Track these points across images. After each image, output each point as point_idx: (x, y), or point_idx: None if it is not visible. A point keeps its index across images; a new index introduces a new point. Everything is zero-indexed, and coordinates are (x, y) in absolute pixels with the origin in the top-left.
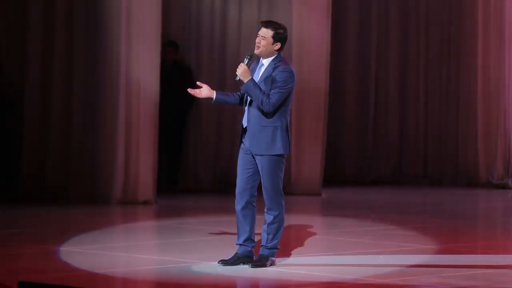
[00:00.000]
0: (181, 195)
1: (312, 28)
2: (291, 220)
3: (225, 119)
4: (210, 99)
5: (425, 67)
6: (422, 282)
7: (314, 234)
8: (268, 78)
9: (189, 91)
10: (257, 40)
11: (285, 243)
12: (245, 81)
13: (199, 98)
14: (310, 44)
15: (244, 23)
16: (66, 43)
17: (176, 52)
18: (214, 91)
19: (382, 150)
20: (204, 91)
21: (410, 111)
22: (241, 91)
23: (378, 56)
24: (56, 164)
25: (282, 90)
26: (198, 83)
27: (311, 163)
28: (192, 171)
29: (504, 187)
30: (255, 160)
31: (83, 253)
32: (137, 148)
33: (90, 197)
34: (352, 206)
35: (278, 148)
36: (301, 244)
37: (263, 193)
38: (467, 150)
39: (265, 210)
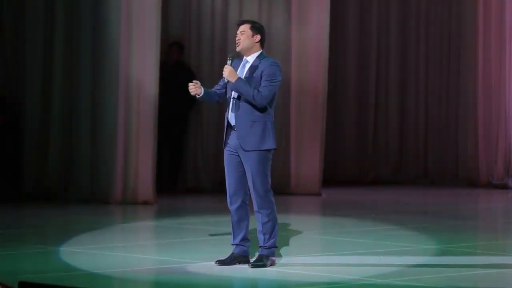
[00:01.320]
0: (181, 195)
1: (312, 28)
2: (291, 220)
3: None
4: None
5: (425, 67)
6: (422, 282)
7: (314, 234)
8: (256, 73)
9: (190, 88)
10: (236, 38)
11: (285, 243)
12: (233, 81)
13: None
14: (309, 44)
15: None
16: (66, 43)
17: (180, 52)
18: (202, 88)
19: (382, 150)
20: (198, 89)
21: (410, 111)
22: (226, 87)
23: (378, 56)
24: (56, 165)
25: (273, 83)
26: (194, 81)
27: (311, 163)
28: (192, 171)
29: (504, 187)
30: (240, 160)
31: (83, 253)
32: (137, 148)
33: (90, 197)
34: (352, 206)
35: (269, 143)
36: (301, 244)
37: (252, 192)
38: (467, 150)
39: (256, 209)
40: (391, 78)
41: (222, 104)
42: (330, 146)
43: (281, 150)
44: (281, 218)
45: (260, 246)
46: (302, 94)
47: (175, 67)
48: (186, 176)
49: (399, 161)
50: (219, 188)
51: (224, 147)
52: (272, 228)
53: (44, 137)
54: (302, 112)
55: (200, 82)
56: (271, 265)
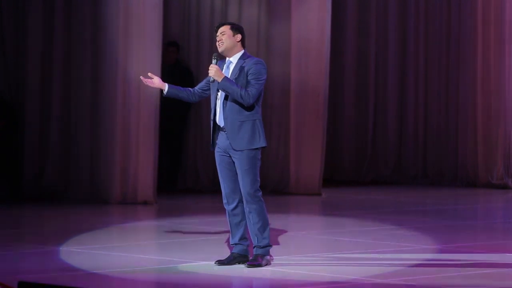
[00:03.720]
0: (181, 195)
1: (312, 28)
2: (291, 220)
3: None
4: (163, 91)
5: (424, 67)
6: (422, 282)
7: (314, 234)
8: (241, 73)
9: (141, 78)
10: (217, 40)
11: (285, 243)
12: (219, 80)
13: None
14: (309, 44)
15: (244, 23)
16: (65, 44)
17: (177, 52)
18: (166, 84)
19: (382, 150)
20: (155, 82)
21: (410, 111)
22: (210, 86)
23: (377, 56)
24: (56, 164)
25: (259, 82)
26: (149, 74)
27: (311, 163)
28: (192, 171)
29: (504, 187)
30: (232, 160)
31: (83, 253)
32: (137, 148)
33: (90, 197)
34: (352, 206)
35: (260, 141)
36: (301, 244)
37: (242, 191)
38: (467, 150)
39: (247, 210)
40: (390, 78)
41: (174, 98)
42: (330, 146)
43: (281, 150)
44: (281, 218)
45: (255, 246)
46: (302, 94)
47: (173, 67)
48: (186, 176)
49: (398, 161)
50: (219, 188)
51: (214, 148)
52: (264, 227)
53: (44, 137)
54: (302, 112)
55: (198, 82)
56: (266, 264)
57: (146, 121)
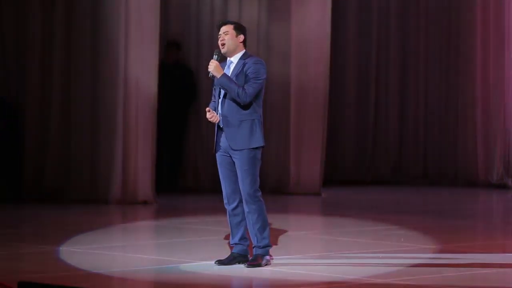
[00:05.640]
0: (181, 195)
1: (312, 28)
2: (291, 220)
3: None
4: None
5: (425, 67)
6: (422, 282)
7: (314, 234)
8: (241, 73)
9: (212, 120)
10: (220, 39)
11: (285, 243)
12: (218, 76)
13: (198, 98)
14: (310, 44)
15: (244, 23)
16: (65, 44)
17: (178, 53)
18: (215, 113)
19: (382, 150)
20: (216, 115)
21: (410, 111)
22: (214, 86)
23: (378, 56)
24: (56, 165)
25: (258, 81)
26: (207, 109)
27: (311, 163)
28: (192, 171)
29: (504, 187)
30: (232, 160)
31: (83, 253)
32: (136, 148)
33: (90, 197)
34: (352, 206)
35: (257, 140)
36: (301, 244)
37: (242, 191)
38: (467, 150)
39: (246, 210)
40: (390, 78)
41: None
42: (330, 146)
43: (281, 150)
44: (281, 218)
45: (254, 246)
46: (302, 94)
47: (174, 66)
48: (186, 176)
49: (399, 161)
50: (219, 188)
51: (216, 152)
52: (263, 227)
53: (43, 137)
54: (303, 112)
55: (199, 82)
56: (266, 264)
57: (146, 121)
